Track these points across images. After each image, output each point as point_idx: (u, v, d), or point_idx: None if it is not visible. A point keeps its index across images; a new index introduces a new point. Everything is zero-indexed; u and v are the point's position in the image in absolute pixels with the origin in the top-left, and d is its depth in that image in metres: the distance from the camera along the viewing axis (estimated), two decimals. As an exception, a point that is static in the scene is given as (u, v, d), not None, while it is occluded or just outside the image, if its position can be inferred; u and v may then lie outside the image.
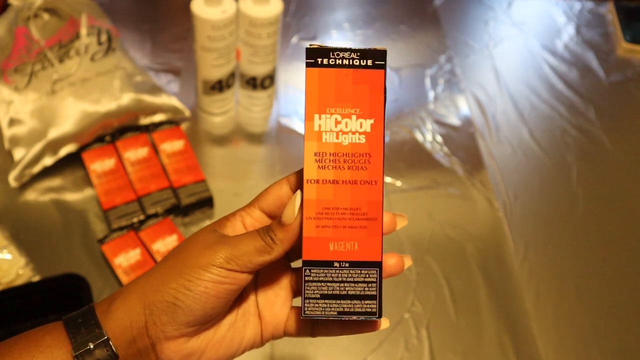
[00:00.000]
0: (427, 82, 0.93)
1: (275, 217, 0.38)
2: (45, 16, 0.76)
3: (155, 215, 0.70)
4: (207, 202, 0.72)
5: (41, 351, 0.34)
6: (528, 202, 0.79)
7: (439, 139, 0.85)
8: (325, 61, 0.36)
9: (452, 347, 0.65)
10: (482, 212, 0.77)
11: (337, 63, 0.36)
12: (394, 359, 0.63)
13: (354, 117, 0.36)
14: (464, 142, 0.85)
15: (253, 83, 0.80)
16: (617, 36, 1.04)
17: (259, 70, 0.79)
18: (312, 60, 0.36)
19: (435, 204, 0.77)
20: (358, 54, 0.36)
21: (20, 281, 0.63)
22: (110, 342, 0.35)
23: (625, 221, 0.79)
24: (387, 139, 0.84)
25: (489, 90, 0.93)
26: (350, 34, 1.00)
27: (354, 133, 0.36)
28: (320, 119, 0.36)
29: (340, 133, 0.36)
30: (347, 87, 0.36)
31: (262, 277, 0.40)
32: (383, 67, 0.36)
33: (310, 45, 0.36)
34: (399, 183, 0.79)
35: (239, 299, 0.39)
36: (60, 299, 0.62)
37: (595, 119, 0.91)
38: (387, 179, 0.79)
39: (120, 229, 0.68)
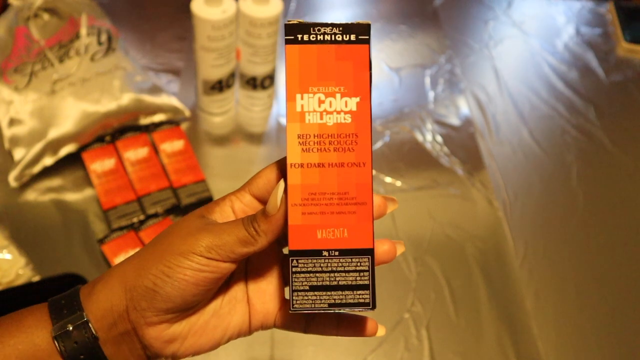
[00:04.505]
0: (427, 82, 0.93)
1: (266, 203, 0.36)
2: (45, 16, 0.76)
3: (155, 215, 0.70)
4: (207, 202, 0.72)
5: (22, 331, 0.34)
6: (528, 202, 0.79)
7: (439, 139, 0.85)
8: (305, 37, 0.34)
9: (452, 347, 0.65)
10: (482, 212, 0.77)
11: (318, 39, 0.34)
12: (393, 359, 0.63)
13: (338, 95, 0.34)
14: (464, 142, 0.85)
15: (253, 83, 0.80)
16: (617, 36, 1.04)
17: (259, 70, 0.79)
18: (292, 37, 0.34)
19: (435, 204, 0.77)
20: (340, 28, 0.34)
21: (20, 281, 0.63)
22: (90, 325, 0.34)
23: (625, 221, 0.79)
24: (386, 139, 0.84)
25: (489, 90, 0.93)
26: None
27: (338, 112, 0.34)
28: (302, 98, 0.34)
29: (324, 113, 0.34)
30: (330, 64, 0.34)
31: (254, 263, 0.39)
32: (367, 41, 0.34)
33: (289, 21, 0.34)
34: (399, 183, 0.79)
35: (225, 285, 0.38)
36: (60, 299, 0.62)
37: (595, 119, 0.91)
38: (387, 179, 0.79)
39: (120, 229, 0.68)
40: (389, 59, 0.96)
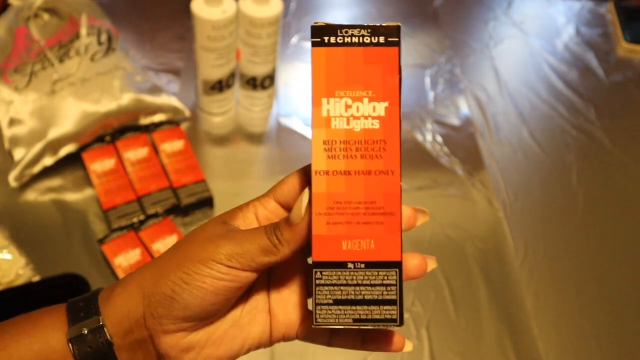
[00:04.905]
0: (427, 82, 0.93)
1: (291, 210, 0.34)
2: (45, 16, 0.76)
3: (155, 215, 0.70)
4: (207, 202, 0.72)
5: (38, 331, 0.34)
6: (528, 202, 0.79)
7: (439, 139, 0.85)
8: (332, 39, 0.32)
9: (452, 347, 0.65)
10: (482, 212, 0.77)
11: (345, 41, 0.32)
12: (394, 359, 0.63)
13: (366, 100, 0.32)
14: (464, 142, 0.85)
15: (253, 83, 0.80)
16: (617, 36, 1.04)
17: (259, 70, 0.79)
18: (319, 39, 0.32)
19: (435, 204, 0.77)
20: (369, 30, 0.32)
21: (20, 281, 0.63)
22: (106, 329, 0.34)
23: (625, 221, 0.79)
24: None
25: (489, 90, 0.93)
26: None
27: (366, 118, 0.32)
28: (328, 103, 0.32)
29: (351, 118, 0.32)
30: (358, 68, 0.32)
31: (276, 272, 0.37)
32: (397, 44, 0.33)
33: (316, 23, 0.32)
34: (399, 183, 0.79)
35: (246, 294, 0.36)
36: (60, 299, 0.62)
37: (595, 119, 0.91)
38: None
39: (120, 229, 0.68)
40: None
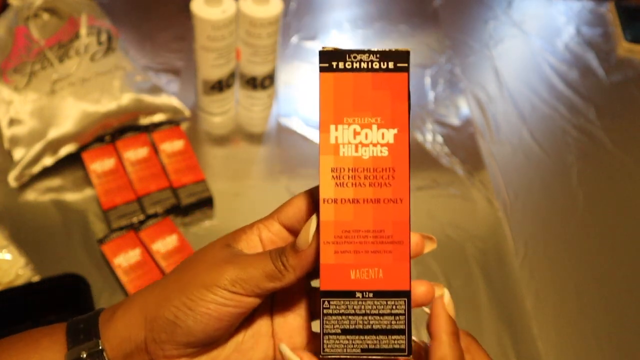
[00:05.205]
0: (427, 82, 0.93)
1: (296, 233, 0.34)
2: (45, 16, 0.76)
3: (155, 215, 0.70)
4: (207, 202, 0.72)
5: (37, 353, 0.34)
6: (528, 202, 0.79)
7: (439, 139, 0.85)
8: (341, 65, 0.32)
9: (452, 347, 0.65)
10: (482, 212, 0.77)
11: (354, 67, 0.32)
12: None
13: (374, 127, 0.32)
14: (464, 142, 0.85)
15: (253, 83, 0.80)
16: (618, 36, 1.04)
17: (259, 70, 0.79)
18: (327, 65, 0.32)
19: (435, 204, 0.77)
20: (378, 56, 0.32)
21: (20, 281, 0.63)
22: (105, 354, 0.33)
23: (625, 221, 0.79)
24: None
25: (489, 90, 0.93)
26: (350, 34, 1.00)
27: (375, 145, 0.32)
28: (336, 130, 0.32)
29: (359, 145, 0.32)
30: (367, 94, 0.32)
31: (280, 295, 0.37)
32: (406, 69, 0.33)
33: (324, 48, 0.32)
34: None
35: (249, 318, 0.36)
36: (60, 299, 0.62)
37: (596, 119, 0.91)
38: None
39: (120, 229, 0.68)
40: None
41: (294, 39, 0.96)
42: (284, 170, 0.79)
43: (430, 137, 0.85)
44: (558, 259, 0.74)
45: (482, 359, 0.34)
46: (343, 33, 1.00)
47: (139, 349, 0.33)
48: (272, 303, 0.37)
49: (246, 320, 0.36)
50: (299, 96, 0.88)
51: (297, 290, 0.37)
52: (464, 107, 0.90)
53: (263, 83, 0.81)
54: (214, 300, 0.32)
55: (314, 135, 0.83)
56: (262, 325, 0.36)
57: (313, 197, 0.34)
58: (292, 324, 0.36)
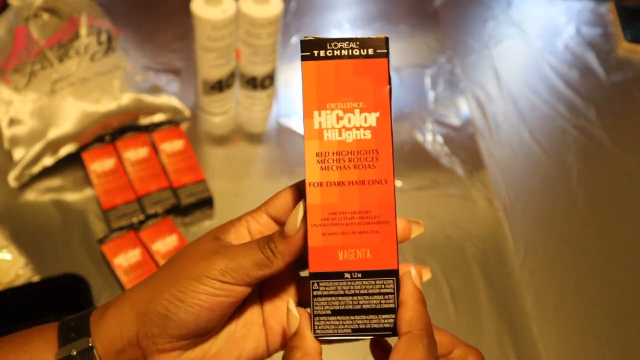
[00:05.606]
0: (427, 82, 0.93)
1: (283, 224, 0.35)
2: (45, 16, 0.76)
3: (155, 215, 0.70)
4: (207, 202, 0.72)
5: (28, 352, 0.34)
6: (528, 202, 0.79)
7: (439, 139, 0.85)
8: (322, 53, 0.33)
9: (452, 347, 0.65)
10: (482, 212, 0.77)
11: (335, 54, 0.33)
12: (394, 359, 0.63)
13: (357, 111, 0.33)
14: (464, 142, 0.85)
15: (253, 83, 0.80)
16: (618, 36, 1.04)
17: (259, 70, 0.79)
18: (308, 53, 0.33)
19: (436, 204, 0.77)
20: (357, 43, 0.33)
21: (20, 281, 0.63)
22: (95, 351, 0.33)
23: (625, 221, 0.79)
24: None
25: (489, 90, 0.93)
26: (350, 34, 1.00)
27: (358, 129, 0.33)
28: (320, 115, 0.33)
29: (343, 129, 0.33)
30: (348, 80, 0.33)
31: (269, 284, 0.37)
32: (386, 55, 0.33)
33: (305, 37, 0.33)
34: (399, 183, 0.79)
35: (240, 308, 0.36)
36: (60, 299, 0.62)
37: (596, 119, 0.91)
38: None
39: (120, 229, 0.68)
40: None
41: (294, 39, 0.96)
42: (284, 170, 0.79)
43: (430, 137, 0.85)
44: (558, 259, 0.74)
45: None
46: (343, 33, 1.00)
47: (131, 345, 0.33)
48: (261, 293, 0.38)
49: (237, 311, 0.36)
50: (299, 96, 0.88)
51: (286, 278, 0.38)
52: (464, 107, 0.90)
53: (263, 83, 0.81)
54: (205, 291, 0.32)
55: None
56: (252, 314, 0.37)
57: (299, 190, 0.35)
58: (282, 312, 0.37)
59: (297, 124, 0.84)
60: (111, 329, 0.34)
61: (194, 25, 0.73)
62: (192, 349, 0.35)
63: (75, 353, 0.33)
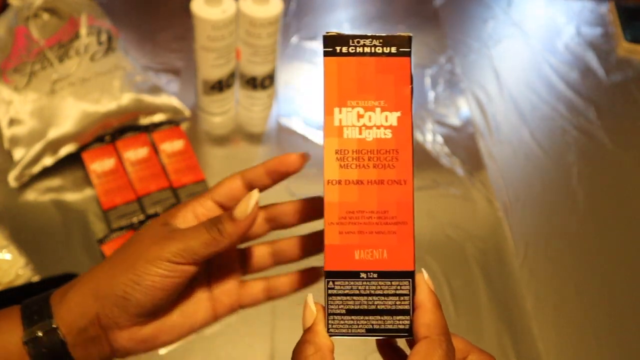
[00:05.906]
0: (427, 82, 0.93)
1: (226, 209, 0.39)
2: (45, 16, 0.76)
3: (155, 215, 0.70)
4: (207, 202, 0.72)
5: None
6: (528, 202, 0.79)
7: (439, 139, 0.85)
8: (344, 49, 0.33)
9: (452, 347, 0.65)
10: (482, 212, 0.77)
11: (357, 51, 0.33)
12: (394, 359, 0.63)
13: (378, 110, 0.33)
14: (464, 142, 0.85)
15: (253, 83, 0.80)
16: (618, 36, 1.04)
17: (259, 70, 0.79)
18: (330, 49, 0.33)
19: (436, 204, 0.77)
20: (381, 40, 0.33)
21: (20, 281, 0.63)
22: (59, 331, 0.36)
23: (625, 221, 0.79)
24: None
25: (489, 90, 0.93)
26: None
27: (378, 127, 0.33)
28: (340, 112, 0.33)
29: (363, 128, 0.33)
30: (370, 78, 0.33)
31: (214, 261, 0.42)
32: (409, 54, 0.33)
33: (328, 33, 0.33)
34: (399, 183, 0.79)
35: (190, 286, 0.40)
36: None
37: (596, 119, 0.91)
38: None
39: (120, 229, 0.68)
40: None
41: (294, 39, 0.96)
42: (284, 170, 0.79)
43: (430, 137, 0.85)
44: (558, 259, 0.74)
45: None
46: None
47: (92, 324, 0.37)
48: (208, 270, 0.42)
49: (188, 288, 0.40)
50: (299, 96, 0.88)
51: (230, 256, 0.42)
52: (464, 107, 0.90)
53: (263, 83, 0.81)
54: (158, 273, 0.36)
55: (314, 135, 0.83)
56: (201, 291, 0.41)
57: (244, 179, 0.40)
58: (228, 282, 0.42)
59: (297, 124, 0.84)
60: (72, 310, 0.36)
61: (194, 25, 0.73)
62: (148, 324, 0.38)
63: (41, 334, 0.36)
